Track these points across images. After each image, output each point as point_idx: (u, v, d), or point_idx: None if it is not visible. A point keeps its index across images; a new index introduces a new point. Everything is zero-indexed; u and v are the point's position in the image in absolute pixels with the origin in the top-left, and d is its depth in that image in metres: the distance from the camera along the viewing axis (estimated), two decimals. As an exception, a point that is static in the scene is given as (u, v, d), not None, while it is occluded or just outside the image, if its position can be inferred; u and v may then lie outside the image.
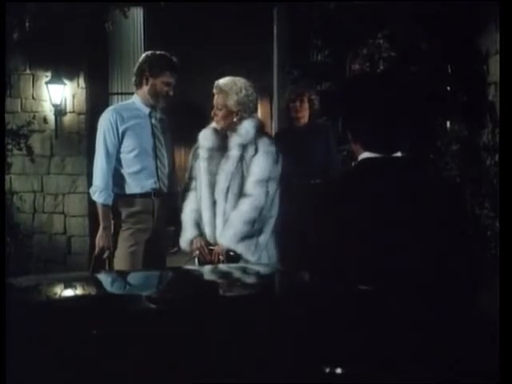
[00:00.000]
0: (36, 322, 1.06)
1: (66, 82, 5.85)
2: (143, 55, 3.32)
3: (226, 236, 2.88)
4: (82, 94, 5.92)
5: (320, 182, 3.57)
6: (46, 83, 5.82)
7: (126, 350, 0.94)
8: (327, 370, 0.85)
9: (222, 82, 2.98)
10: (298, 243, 1.72)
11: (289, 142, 4.05)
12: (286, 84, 5.35)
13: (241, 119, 2.95)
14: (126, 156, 3.19)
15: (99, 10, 5.53)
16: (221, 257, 2.89)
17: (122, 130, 3.17)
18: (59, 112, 5.88)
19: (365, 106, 1.63)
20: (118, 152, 3.18)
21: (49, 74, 5.84)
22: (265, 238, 2.92)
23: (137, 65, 3.28)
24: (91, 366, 0.89)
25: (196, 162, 3.09)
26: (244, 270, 1.95)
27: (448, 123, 4.56)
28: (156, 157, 3.24)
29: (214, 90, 3.00)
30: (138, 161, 3.20)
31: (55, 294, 1.45)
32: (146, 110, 3.26)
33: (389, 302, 1.17)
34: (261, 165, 2.90)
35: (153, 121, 3.26)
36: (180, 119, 4.50)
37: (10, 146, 5.54)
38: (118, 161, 3.20)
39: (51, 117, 5.90)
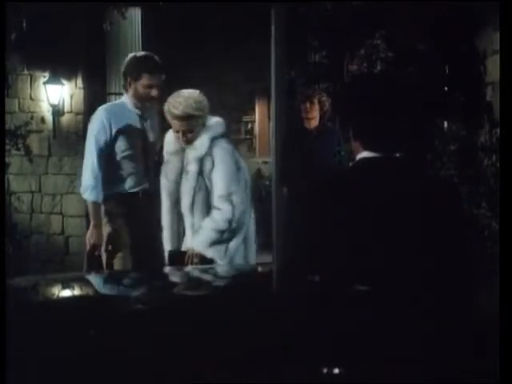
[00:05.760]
0: (34, 322, 1.06)
1: (64, 82, 5.83)
2: (127, 58, 3.31)
3: (197, 241, 2.88)
4: (79, 94, 5.90)
5: (316, 181, 3.58)
6: (44, 83, 5.80)
7: (124, 350, 0.94)
8: (325, 371, 0.85)
9: (172, 109, 2.83)
10: (294, 243, 1.72)
11: (299, 143, 4.06)
12: (284, 84, 5.36)
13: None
14: (118, 156, 3.21)
15: (97, 10, 5.53)
16: (195, 259, 2.86)
17: (115, 130, 3.18)
18: (57, 112, 5.86)
19: (368, 105, 1.63)
20: (110, 152, 3.19)
21: (47, 74, 5.82)
22: (236, 243, 2.90)
23: (121, 68, 3.29)
24: (88, 366, 0.89)
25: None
26: (238, 270, 1.95)
27: (446, 123, 4.57)
28: (146, 158, 3.25)
29: (169, 117, 2.88)
30: (129, 161, 3.22)
31: (53, 294, 1.45)
32: (136, 112, 3.26)
33: (386, 301, 1.17)
34: (221, 178, 2.83)
35: (143, 122, 3.28)
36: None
37: (8, 146, 5.53)
38: (110, 160, 3.21)
39: (49, 117, 5.89)
